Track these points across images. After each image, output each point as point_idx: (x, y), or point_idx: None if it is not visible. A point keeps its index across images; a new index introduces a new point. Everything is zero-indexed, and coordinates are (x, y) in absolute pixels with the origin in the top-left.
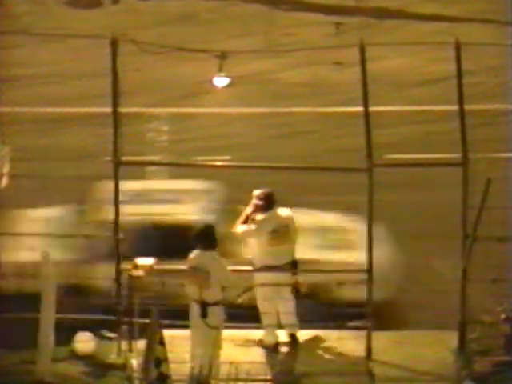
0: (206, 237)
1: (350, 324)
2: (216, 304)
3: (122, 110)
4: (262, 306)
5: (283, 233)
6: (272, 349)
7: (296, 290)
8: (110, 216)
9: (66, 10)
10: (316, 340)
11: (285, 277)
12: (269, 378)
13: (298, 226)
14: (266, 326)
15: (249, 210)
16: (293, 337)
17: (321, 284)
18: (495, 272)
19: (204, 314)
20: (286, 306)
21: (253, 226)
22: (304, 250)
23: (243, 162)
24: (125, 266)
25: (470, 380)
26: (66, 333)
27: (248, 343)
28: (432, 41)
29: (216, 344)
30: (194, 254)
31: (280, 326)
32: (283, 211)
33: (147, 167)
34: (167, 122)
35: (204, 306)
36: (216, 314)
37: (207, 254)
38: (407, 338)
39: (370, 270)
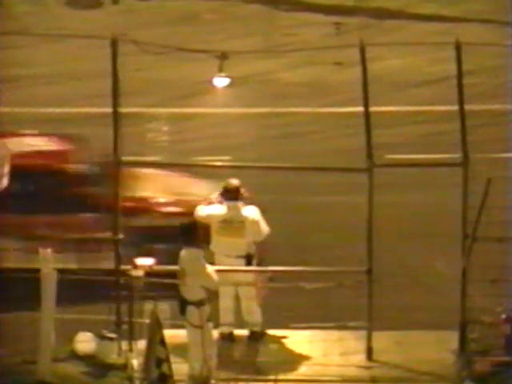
0: (187, 233)
1: (351, 324)
2: (196, 303)
3: (123, 110)
4: (223, 302)
5: (236, 227)
6: (227, 338)
7: None
8: None
9: (66, 10)
10: (315, 340)
11: (240, 267)
12: (269, 377)
13: (258, 227)
14: (223, 322)
15: (213, 196)
16: (253, 334)
17: None
18: (495, 272)
19: (182, 311)
20: (248, 304)
21: (201, 210)
22: None
23: (243, 162)
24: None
25: (470, 380)
26: None
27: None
28: (432, 41)
29: (205, 344)
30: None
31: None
32: (248, 208)
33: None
34: (167, 122)
35: (183, 303)
36: (195, 313)
37: (187, 250)
38: (407, 338)
39: (369, 270)
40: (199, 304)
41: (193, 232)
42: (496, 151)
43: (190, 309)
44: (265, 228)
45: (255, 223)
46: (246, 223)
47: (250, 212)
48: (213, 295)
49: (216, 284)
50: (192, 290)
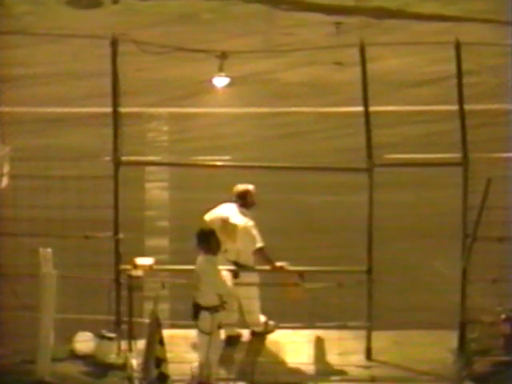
0: (205, 240)
1: (350, 324)
2: (210, 309)
3: (122, 109)
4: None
5: (230, 230)
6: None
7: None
8: None
9: (66, 9)
10: (317, 340)
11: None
12: (269, 378)
13: (248, 235)
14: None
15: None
16: (253, 334)
17: None
18: (495, 272)
19: (195, 316)
20: (248, 304)
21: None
22: None
23: (243, 162)
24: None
25: (469, 380)
26: None
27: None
28: (432, 40)
29: (210, 350)
30: None
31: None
32: (243, 216)
33: (147, 167)
34: (167, 121)
35: (196, 308)
36: (207, 318)
37: (204, 257)
38: (407, 338)
39: (369, 270)
40: (213, 310)
41: (210, 239)
42: (496, 151)
43: (203, 314)
44: (257, 240)
45: (245, 230)
46: (237, 228)
47: (243, 219)
48: (225, 303)
49: (229, 292)
50: (206, 296)
